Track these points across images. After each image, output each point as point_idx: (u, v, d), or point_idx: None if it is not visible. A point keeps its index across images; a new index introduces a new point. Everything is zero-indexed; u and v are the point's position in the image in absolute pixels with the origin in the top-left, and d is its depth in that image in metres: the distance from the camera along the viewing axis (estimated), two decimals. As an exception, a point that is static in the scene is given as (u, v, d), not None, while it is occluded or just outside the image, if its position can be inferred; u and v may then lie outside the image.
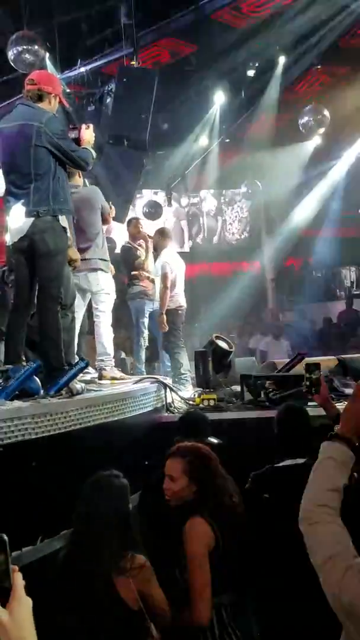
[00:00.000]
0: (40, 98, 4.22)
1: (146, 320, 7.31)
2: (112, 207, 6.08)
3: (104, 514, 2.61)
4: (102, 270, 5.64)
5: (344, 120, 11.87)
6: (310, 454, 3.27)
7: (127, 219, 8.38)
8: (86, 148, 4.36)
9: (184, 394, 5.81)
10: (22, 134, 4.06)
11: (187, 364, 6.61)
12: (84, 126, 4.47)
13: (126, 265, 7.53)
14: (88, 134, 4.42)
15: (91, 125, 4.54)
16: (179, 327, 6.60)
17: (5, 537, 1.13)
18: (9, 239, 4.18)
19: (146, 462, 4.34)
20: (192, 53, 10.71)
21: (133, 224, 7.73)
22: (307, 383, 3.30)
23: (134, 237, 7.59)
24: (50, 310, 4.11)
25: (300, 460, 3.23)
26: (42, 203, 4.05)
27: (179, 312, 6.62)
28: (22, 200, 4.05)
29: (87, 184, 6.17)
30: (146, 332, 7.34)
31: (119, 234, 10.30)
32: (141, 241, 7.50)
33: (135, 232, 7.58)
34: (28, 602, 1.17)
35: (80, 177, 5.80)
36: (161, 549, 3.06)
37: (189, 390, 6.16)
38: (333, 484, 1.84)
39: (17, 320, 4.19)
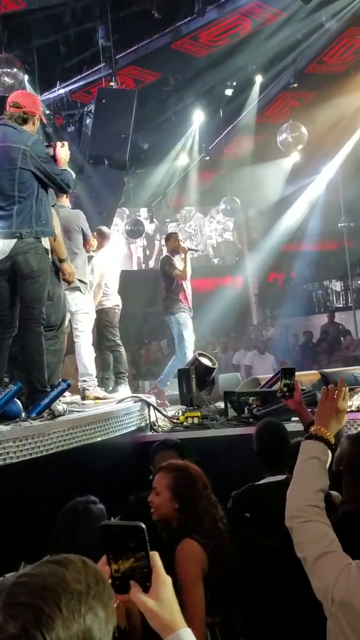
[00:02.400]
0: (24, 121, 4.26)
1: (190, 332, 7.46)
2: (95, 239, 6.13)
3: (82, 541, 2.59)
4: (80, 290, 5.66)
5: (322, 136, 12.03)
6: (289, 469, 3.28)
7: (167, 234, 8.49)
8: (66, 170, 4.38)
9: (119, 394, 5.90)
10: (7, 156, 4.09)
11: (125, 364, 6.62)
12: (59, 144, 4.47)
13: (165, 278, 7.60)
14: (63, 152, 4.42)
15: (66, 143, 4.55)
16: (115, 326, 6.59)
17: (143, 525, 1.17)
18: None
19: (130, 482, 4.33)
20: (171, 74, 10.86)
21: (173, 238, 7.83)
22: (284, 388, 3.32)
23: (173, 251, 7.67)
24: (32, 331, 4.09)
25: (280, 477, 3.25)
26: (25, 225, 4.07)
27: (116, 310, 6.62)
28: (5, 222, 4.06)
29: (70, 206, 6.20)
30: (192, 347, 7.47)
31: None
32: (181, 254, 7.57)
33: (175, 246, 7.66)
34: (169, 581, 1.18)
35: (67, 198, 5.83)
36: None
37: (126, 392, 6.17)
38: (320, 484, 1.93)
39: (3, 340, 4.17)
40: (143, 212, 15.10)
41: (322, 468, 1.96)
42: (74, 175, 4.54)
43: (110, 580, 1.14)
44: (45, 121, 5.73)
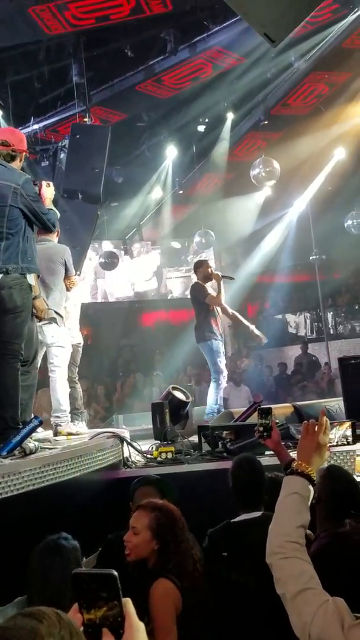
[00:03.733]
0: (12, 158, 4.35)
1: (222, 358, 7.41)
2: (76, 279, 6.14)
3: (57, 580, 2.56)
4: (56, 322, 5.64)
5: (293, 171, 12.27)
6: (265, 506, 3.28)
7: (196, 261, 8.40)
8: (52, 209, 4.50)
9: (80, 428, 5.86)
10: None
11: (80, 399, 6.57)
12: (44, 183, 4.58)
13: (197, 305, 7.54)
14: (49, 191, 4.55)
15: (51, 183, 4.67)
16: (76, 364, 6.51)
17: (115, 573, 1.15)
18: None
19: (105, 519, 4.29)
20: (143, 110, 11.07)
21: (204, 265, 7.75)
22: (260, 428, 3.33)
23: (205, 278, 7.59)
24: (10, 367, 4.10)
25: (256, 514, 3.24)
26: (12, 261, 4.13)
27: (78, 348, 6.55)
28: None
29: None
30: (225, 371, 7.45)
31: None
32: (213, 281, 7.53)
33: (207, 272, 7.58)
34: (142, 628, 1.17)
35: (57, 236, 5.87)
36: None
37: (82, 426, 6.13)
38: (301, 520, 1.93)
39: None
40: (117, 245, 15.18)
41: (303, 504, 1.96)
42: (59, 215, 4.66)
43: (82, 629, 1.14)
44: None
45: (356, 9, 9.13)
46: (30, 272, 4.26)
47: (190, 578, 2.94)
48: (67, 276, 5.83)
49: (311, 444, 2.11)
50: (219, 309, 7.57)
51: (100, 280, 15.38)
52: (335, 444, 4.44)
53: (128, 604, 1.17)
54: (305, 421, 2.19)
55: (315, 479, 2.05)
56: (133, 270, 15.64)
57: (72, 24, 8.51)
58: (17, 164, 4.38)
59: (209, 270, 7.66)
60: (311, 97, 11.35)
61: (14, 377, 4.11)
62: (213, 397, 7.50)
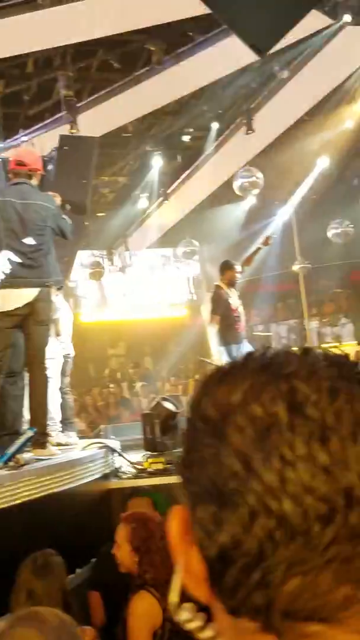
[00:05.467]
0: (29, 177, 4.62)
1: None
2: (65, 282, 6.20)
3: (43, 598, 2.57)
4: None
5: (277, 180, 12.38)
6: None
7: (223, 261, 8.07)
8: (66, 219, 4.77)
9: (70, 439, 5.91)
10: (38, 213, 4.50)
11: (69, 411, 6.56)
12: (50, 194, 4.83)
13: (219, 309, 7.40)
14: (57, 201, 4.82)
15: (57, 195, 4.93)
16: (67, 375, 6.53)
17: None
18: (6, 305, 4.36)
19: (96, 531, 4.31)
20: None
21: (230, 269, 7.55)
22: None
23: (230, 282, 7.44)
24: (42, 374, 4.48)
25: None
26: (51, 276, 4.51)
27: (67, 360, 6.55)
28: (35, 272, 4.41)
29: None
30: None
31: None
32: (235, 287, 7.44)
33: (231, 276, 7.45)
34: None
35: None
36: (111, 622, 3.03)
37: (73, 437, 6.14)
38: None
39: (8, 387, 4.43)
40: (103, 255, 15.20)
41: None
42: (70, 223, 4.91)
43: None
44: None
45: (340, 20, 9.26)
46: (59, 284, 4.72)
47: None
48: None
49: None
50: (241, 310, 7.43)
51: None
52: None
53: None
54: None
55: None
56: (120, 280, 15.66)
57: None
58: (35, 182, 4.66)
59: (236, 276, 7.51)
60: (288, 112, 11.49)
61: (47, 384, 4.56)
62: None
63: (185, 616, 0.60)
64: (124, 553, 3.03)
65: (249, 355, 0.60)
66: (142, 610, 2.83)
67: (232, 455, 0.53)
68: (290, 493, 0.50)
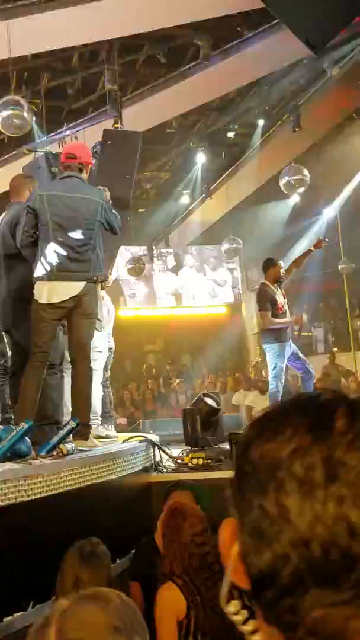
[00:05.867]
0: (80, 171, 4.61)
1: (285, 360, 7.19)
2: (110, 272, 6.19)
3: (90, 581, 2.56)
4: (96, 328, 5.67)
5: (324, 177, 12.22)
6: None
7: (267, 259, 7.81)
8: (115, 213, 4.73)
9: (109, 432, 5.90)
10: (87, 207, 4.49)
11: (109, 405, 6.53)
12: (101, 188, 4.82)
13: (267, 305, 7.24)
14: (107, 196, 4.79)
15: (107, 190, 4.91)
16: (107, 368, 6.51)
17: None
18: (46, 298, 4.37)
19: (135, 522, 4.28)
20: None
21: (277, 266, 7.39)
22: None
23: (275, 280, 7.30)
24: (88, 367, 4.53)
25: None
26: (98, 269, 4.51)
27: (109, 353, 6.52)
28: (82, 266, 4.42)
29: None
30: (283, 377, 7.26)
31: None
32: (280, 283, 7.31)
33: (276, 273, 7.29)
34: None
35: None
36: (150, 612, 2.98)
37: (112, 430, 6.14)
38: None
39: (42, 376, 4.39)
40: (144, 251, 15.22)
41: None
42: (119, 218, 4.87)
43: None
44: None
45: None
46: (106, 278, 4.82)
47: (199, 583, 2.86)
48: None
49: None
50: (287, 307, 7.30)
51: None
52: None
53: None
54: None
55: None
56: (160, 277, 15.66)
57: None
58: (85, 176, 4.64)
59: (281, 272, 7.35)
60: (335, 112, 11.46)
61: (91, 377, 4.59)
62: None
63: (232, 609, 0.71)
64: (159, 537, 3.06)
65: (298, 402, 0.69)
66: (166, 600, 2.83)
67: (273, 504, 0.62)
68: (320, 543, 0.60)
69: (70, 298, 4.38)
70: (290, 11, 4.12)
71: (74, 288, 4.38)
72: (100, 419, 5.83)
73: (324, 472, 0.61)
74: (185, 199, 13.72)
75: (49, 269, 4.38)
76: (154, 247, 15.54)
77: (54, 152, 9.78)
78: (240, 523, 0.66)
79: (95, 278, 4.47)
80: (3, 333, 4.93)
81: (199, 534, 2.94)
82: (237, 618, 0.71)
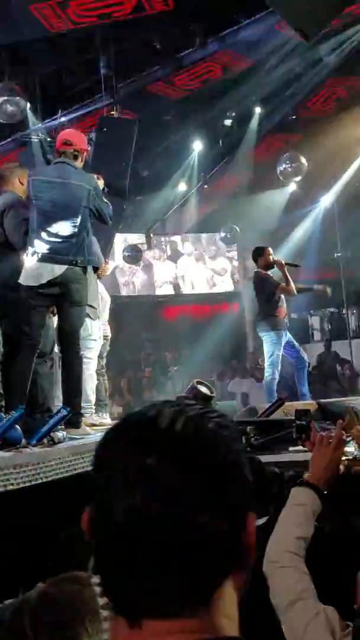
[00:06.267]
0: (75, 157, 4.61)
1: (281, 353, 7.20)
2: (107, 262, 6.18)
3: (78, 565, 2.58)
4: (90, 316, 5.67)
5: (321, 166, 12.19)
6: (272, 509, 3.19)
7: (255, 248, 7.88)
8: (107, 202, 4.74)
9: (104, 419, 5.88)
10: (72, 193, 4.48)
11: (103, 393, 6.54)
12: (94, 176, 4.82)
13: (263, 294, 7.32)
14: (100, 184, 4.80)
15: (100, 177, 4.93)
16: (102, 356, 6.52)
17: None
18: (30, 280, 4.37)
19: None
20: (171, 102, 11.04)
21: (266, 253, 7.40)
22: (297, 429, 3.29)
23: (267, 267, 7.32)
24: (78, 356, 4.53)
25: (260, 521, 3.16)
26: (80, 254, 4.45)
27: (104, 341, 6.54)
28: (63, 250, 4.40)
29: None
30: (279, 365, 7.26)
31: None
32: (276, 268, 7.29)
33: (268, 260, 7.30)
34: None
35: None
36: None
37: (105, 418, 6.13)
38: (301, 532, 1.87)
39: (32, 364, 4.38)
40: (141, 239, 15.18)
41: (307, 516, 1.91)
42: (111, 208, 4.86)
43: None
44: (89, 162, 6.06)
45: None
46: (92, 264, 4.69)
47: None
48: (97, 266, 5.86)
49: (324, 457, 2.08)
50: (283, 296, 7.40)
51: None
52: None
53: None
54: (320, 433, 2.17)
55: (324, 491, 1.99)
56: (157, 264, 15.64)
57: (73, 22, 8.46)
58: (79, 164, 4.65)
59: (270, 257, 7.39)
60: (330, 101, 11.48)
61: (82, 365, 4.60)
62: (270, 393, 7.36)
63: None
64: None
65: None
66: None
67: None
68: None
69: (55, 284, 4.38)
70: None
71: (56, 270, 4.37)
72: (93, 407, 5.84)
73: None
74: (182, 187, 13.68)
75: (32, 252, 4.41)
76: (151, 234, 15.51)
77: (48, 139, 9.79)
78: None
79: (76, 262, 4.44)
80: None
81: None
82: None
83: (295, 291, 7.38)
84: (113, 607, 0.73)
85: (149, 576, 0.71)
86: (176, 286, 15.82)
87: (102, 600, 1.13)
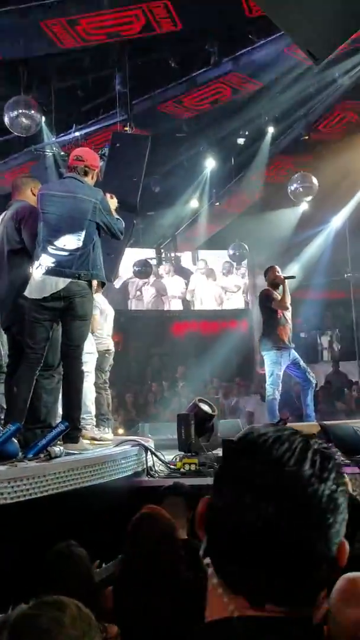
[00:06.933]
0: (85, 173, 4.68)
1: (282, 368, 7.26)
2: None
3: (67, 582, 2.58)
4: None
5: (332, 186, 12.20)
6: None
7: (266, 268, 8.10)
8: (119, 218, 4.79)
9: (105, 434, 5.94)
10: (78, 206, 4.54)
11: (106, 407, 6.53)
12: (107, 195, 4.82)
13: (266, 312, 7.46)
14: (113, 203, 4.85)
15: (114, 196, 4.97)
16: (104, 370, 6.52)
17: None
18: (35, 293, 4.41)
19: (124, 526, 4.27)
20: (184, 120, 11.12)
21: (272, 271, 7.64)
22: None
23: (273, 285, 7.51)
24: (80, 369, 4.56)
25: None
26: (84, 268, 4.49)
27: (106, 355, 6.55)
28: (66, 263, 4.43)
29: None
30: (280, 385, 7.29)
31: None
32: (279, 285, 7.45)
33: (274, 277, 7.50)
34: None
35: None
36: (140, 619, 2.97)
37: (107, 433, 6.17)
38: None
39: (34, 377, 4.39)
40: (151, 254, 15.21)
41: None
42: (123, 224, 4.91)
43: None
44: (100, 178, 6.09)
45: None
46: (98, 278, 4.72)
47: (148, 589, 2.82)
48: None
49: None
50: (287, 315, 7.43)
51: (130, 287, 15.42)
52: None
53: None
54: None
55: None
56: (166, 280, 15.65)
57: (84, 39, 8.58)
58: (90, 180, 4.71)
59: (276, 274, 7.55)
60: (341, 125, 11.56)
61: (82, 379, 4.62)
62: (272, 413, 7.35)
63: None
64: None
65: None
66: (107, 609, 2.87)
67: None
68: None
69: (60, 297, 4.41)
70: (292, 20, 4.10)
71: (60, 283, 4.41)
72: (94, 419, 5.84)
73: None
74: (194, 203, 13.73)
75: (37, 265, 4.45)
76: (162, 250, 15.54)
77: (61, 154, 9.88)
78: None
79: (79, 275, 4.45)
80: (2, 330, 4.94)
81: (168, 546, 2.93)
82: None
83: (288, 305, 7.37)
84: (234, 589, 0.91)
85: (276, 574, 0.89)
86: (185, 302, 15.82)
87: (74, 628, 1.15)
